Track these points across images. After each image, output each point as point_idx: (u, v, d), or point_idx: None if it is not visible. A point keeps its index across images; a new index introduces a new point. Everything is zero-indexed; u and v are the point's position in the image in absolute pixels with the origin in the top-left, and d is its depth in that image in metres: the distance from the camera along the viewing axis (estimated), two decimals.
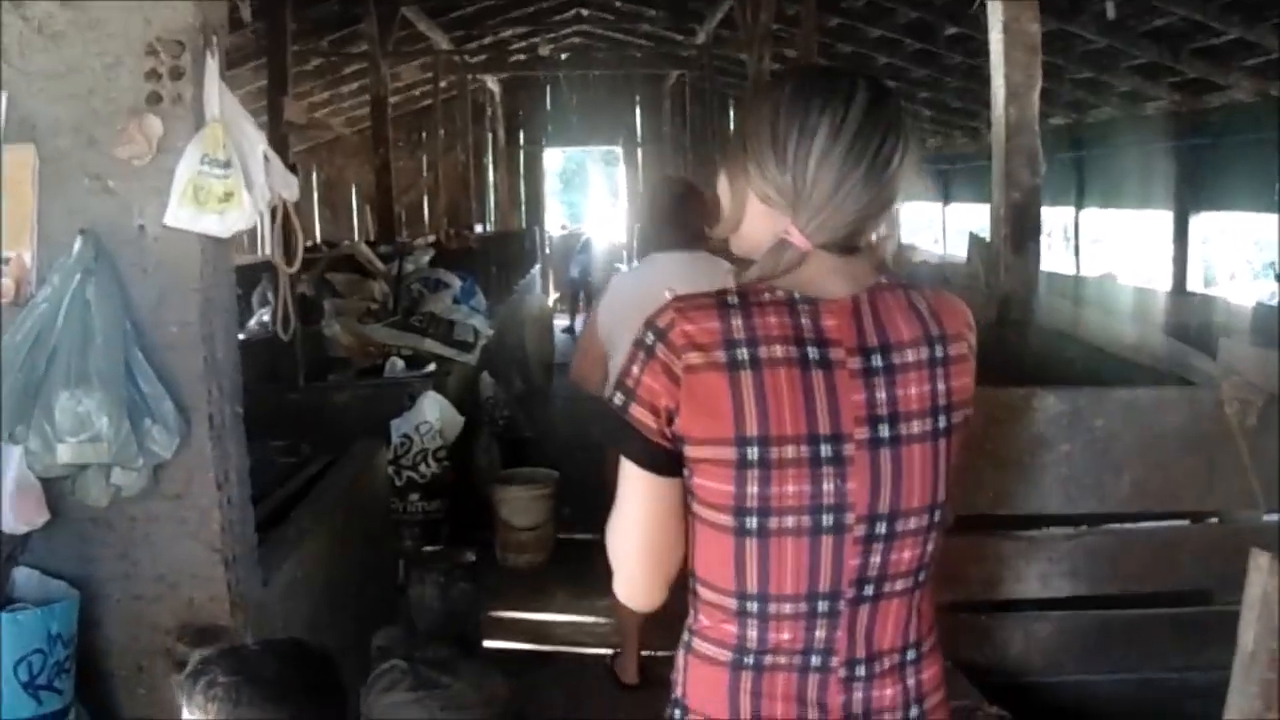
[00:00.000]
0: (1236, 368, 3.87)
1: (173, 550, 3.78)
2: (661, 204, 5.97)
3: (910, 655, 2.31)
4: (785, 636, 2.21)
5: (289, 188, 3.87)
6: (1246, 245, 22.54)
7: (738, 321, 2.14)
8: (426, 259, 11.27)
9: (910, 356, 2.21)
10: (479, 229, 21.88)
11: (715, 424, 2.13)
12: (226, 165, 3.55)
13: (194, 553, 3.79)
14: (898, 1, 14.77)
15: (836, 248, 2.19)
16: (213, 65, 3.60)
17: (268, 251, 4.09)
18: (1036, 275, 5.85)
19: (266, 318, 10.29)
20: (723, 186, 2.36)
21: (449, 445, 7.83)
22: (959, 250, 22.10)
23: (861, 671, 2.25)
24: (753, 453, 2.12)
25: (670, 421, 2.17)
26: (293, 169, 7.88)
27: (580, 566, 7.48)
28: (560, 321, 20.58)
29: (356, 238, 19.25)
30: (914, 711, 2.32)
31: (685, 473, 2.21)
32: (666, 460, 2.20)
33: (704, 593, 2.27)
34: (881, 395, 2.18)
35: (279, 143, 7.84)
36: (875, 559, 2.20)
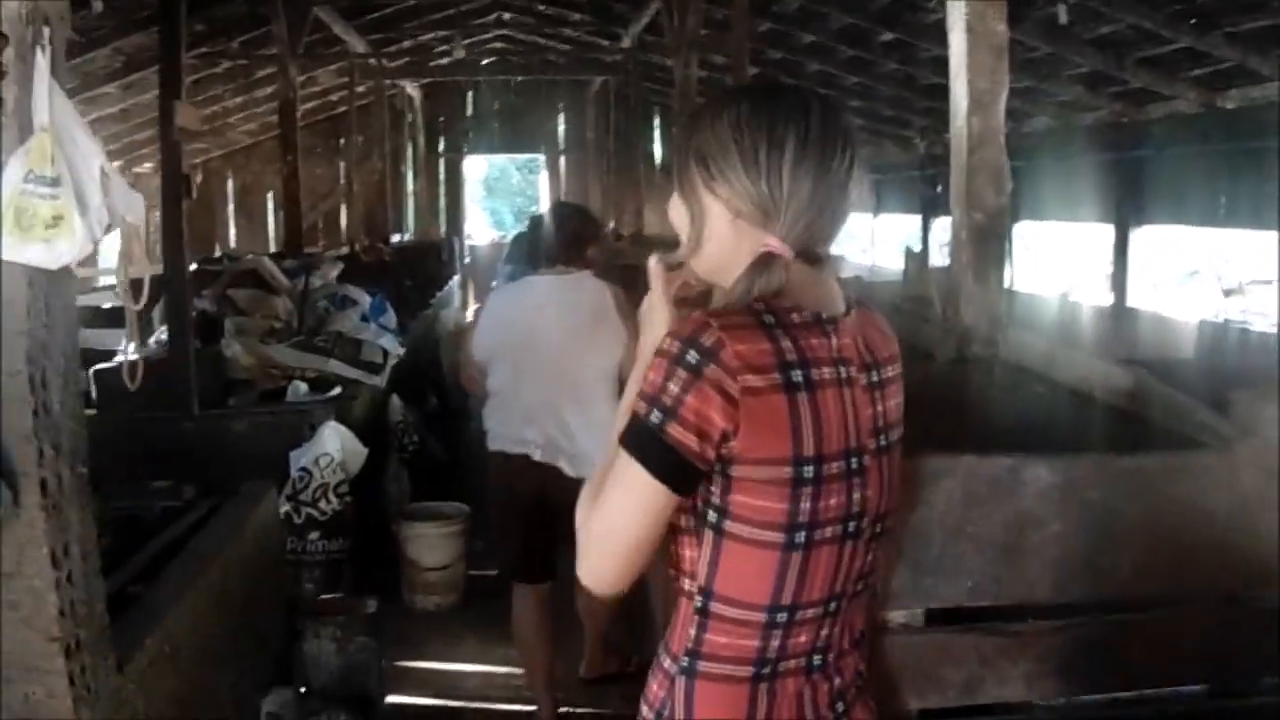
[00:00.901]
0: (1256, 427, 3.35)
1: (3, 639, 3.18)
2: (546, 226, 6.07)
3: (858, 635, 2.51)
4: (803, 640, 2.34)
5: (133, 209, 3.24)
6: (1169, 254, 22.21)
7: (787, 343, 2.22)
8: (335, 273, 10.68)
9: (889, 372, 2.43)
10: (396, 239, 21.18)
11: (776, 445, 2.20)
12: (55, 183, 2.93)
13: (28, 642, 3.18)
14: (831, 6, 14.26)
15: (807, 258, 2.30)
16: (43, 63, 2.98)
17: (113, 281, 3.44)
18: (1001, 307, 5.29)
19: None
20: (677, 210, 2.42)
21: (351, 478, 7.24)
22: (888, 262, 21.93)
23: (833, 658, 2.41)
24: (809, 471, 2.22)
25: (721, 443, 2.20)
26: (185, 178, 7.44)
27: (493, 606, 6.91)
28: None
29: (272, 246, 18.60)
30: (862, 673, 2.54)
31: (711, 491, 2.26)
32: (693, 480, 2.24)
33: (723, 609, 2.32)
34: (881, 408, 2.38)
35: (170, 150, 7.32)
36: (870, 556, 2.40)
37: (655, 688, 2.42)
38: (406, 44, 21.02)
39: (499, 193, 46.66)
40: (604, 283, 5.86)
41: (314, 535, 7.09)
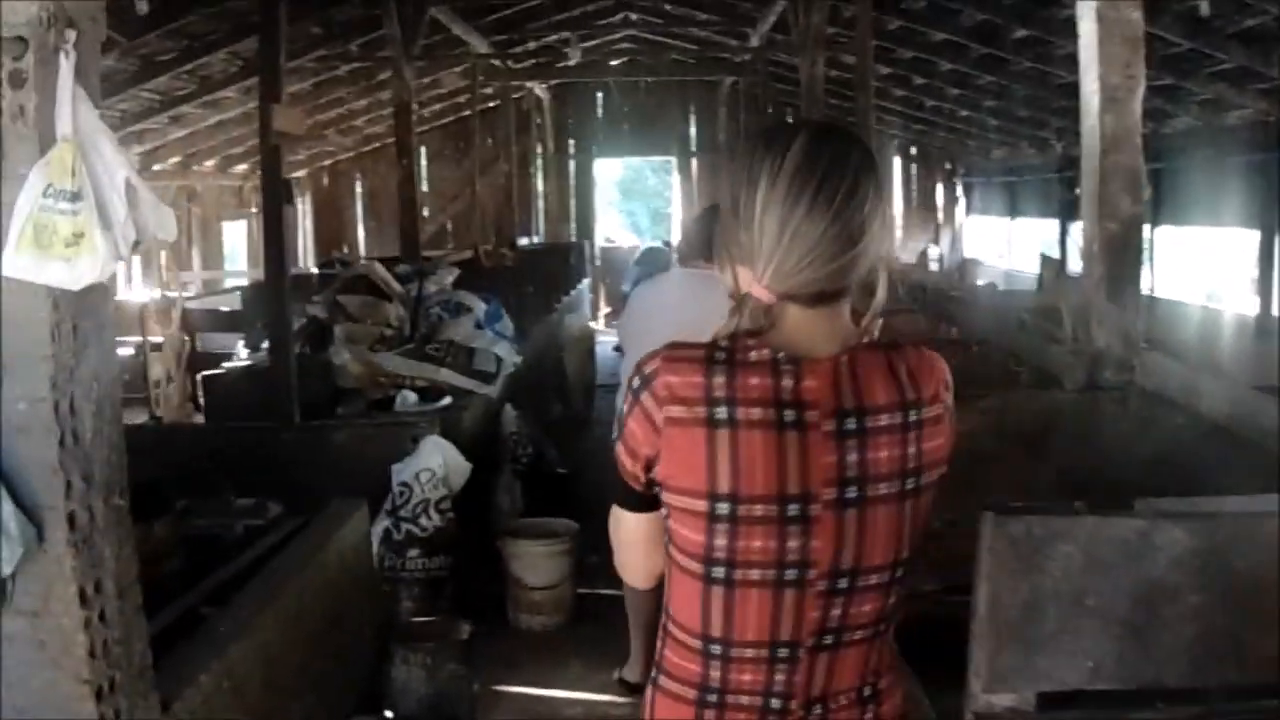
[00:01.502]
0: None
1: (31, 681, 2.97)
2: (692, 221, 6.56)
3: (867, 691, 2.42)
4: (746, 678, 2.34)
5: (164, 225, 3.00)
6: None
7: (720, 379, 2.23)
8: (450, 279, 10.42)
9: (884, 420, 2.28)
10: (525, 242, 21.21)
11: (690, 476, 2.25)
12: (76, 198, 2.70)
13: (56, 684, 2.96)
14: (963, 2, 13.84)
15: (806, 299, 2.26)
16: (66, 69, 2.76)
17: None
18: (1137, 328, 4.91)
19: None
20: (727, 241, 2.38)
21: (455, 494, 7.03)
22: (1025, 265, 21.45)
23: (819, 710, 2.37)
24: (723, 508, 2.23)
25: (649, 468, 2.31)
26: (286, 184, 7.28)
27: (602, 631, 6.81)
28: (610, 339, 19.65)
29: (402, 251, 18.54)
30: None
31: (663, 510, 2.35)
32: (639, 500, 2.40)
33: (673, 629, 2.41)
34: (853, 458, 2.26)
35: (269, 155, 7.17)
36: (836, 611, 2.31)
37: (646, 693, 2.53)
38: (532, 45, 20.83)
39: (634, 195, 46.27)
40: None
41: (414, 552, 6.91)
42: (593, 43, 19.04)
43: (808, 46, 12.71)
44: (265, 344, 9.16)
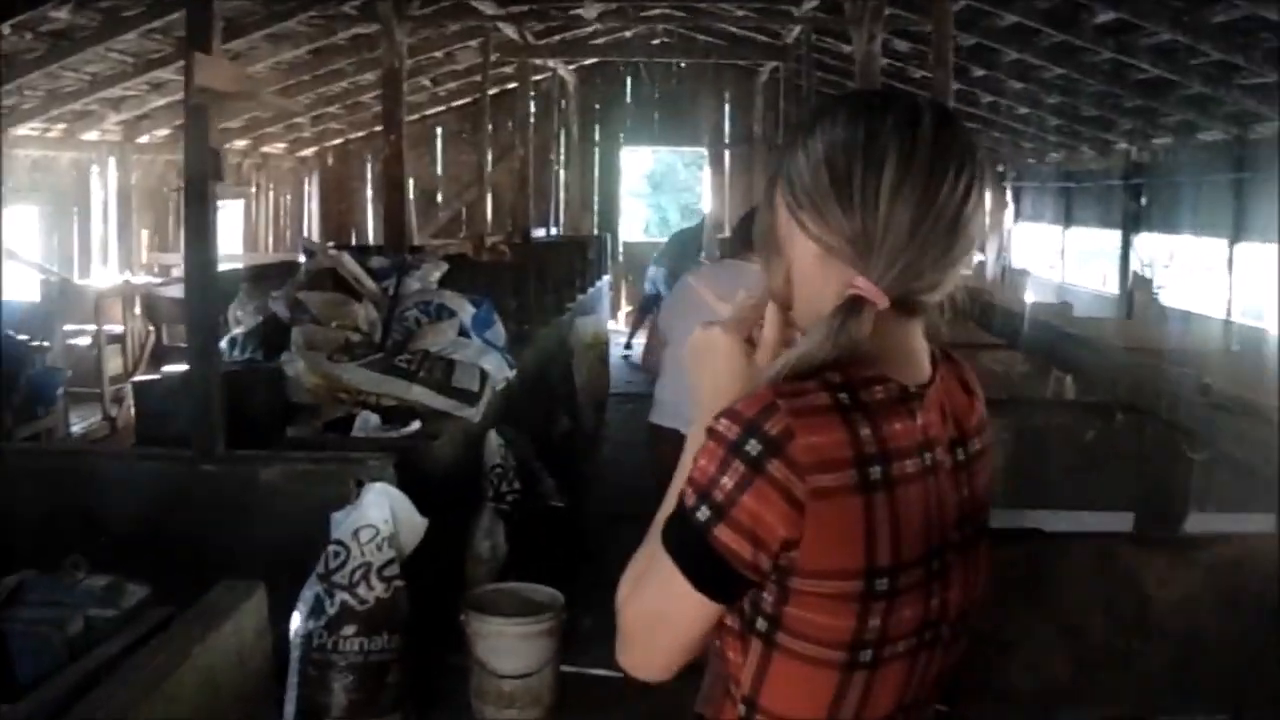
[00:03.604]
0: None
1: None
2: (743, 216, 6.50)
3: None
4: None
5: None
6: None
7: (866, 432, 1.91)
8: (436, 275, 8.80)
9: (977, 444, 2.13)
10: (541, 234, 20.09)
11: (843, 556, 1.91)
12: None
13: None
14: None
15: (903, 307, 1.98)
16: None
17: None
18: None
19: (234, 340, 8.20)
20: (769, 241, 2.12)
21: (405, 556, 5.52)
22: (1080, 279, 19.97)
23: None
24: (883, 584, 1.93)
25: (781, 552, 1.90)
26: (215, 158, 5.81)
27: None
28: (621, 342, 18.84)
29: (416, 239, 17.10)
30: None
31: (764, 597, 1.96)
32: (741, 591, 1.96)
33: None
34: (967, 491, 2.09)
35: (194, 118, 5.81)
36: (948, 659, 2.12)
37: None
38: (556, 23, 19.53)
39: (665, 188, 44.92)
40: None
41: (349, 629, 5.38)
42: (615, 4, 17.51)
43: (864, 20, 11.31)
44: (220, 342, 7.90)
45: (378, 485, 5.52)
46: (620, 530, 6.51)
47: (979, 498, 2.10)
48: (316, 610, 5.41)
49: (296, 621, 5.42)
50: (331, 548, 5.41)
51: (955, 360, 2.18)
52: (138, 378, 8.19)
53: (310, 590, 5.43)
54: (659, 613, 2.01)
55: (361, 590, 5.40)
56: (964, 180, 1.95)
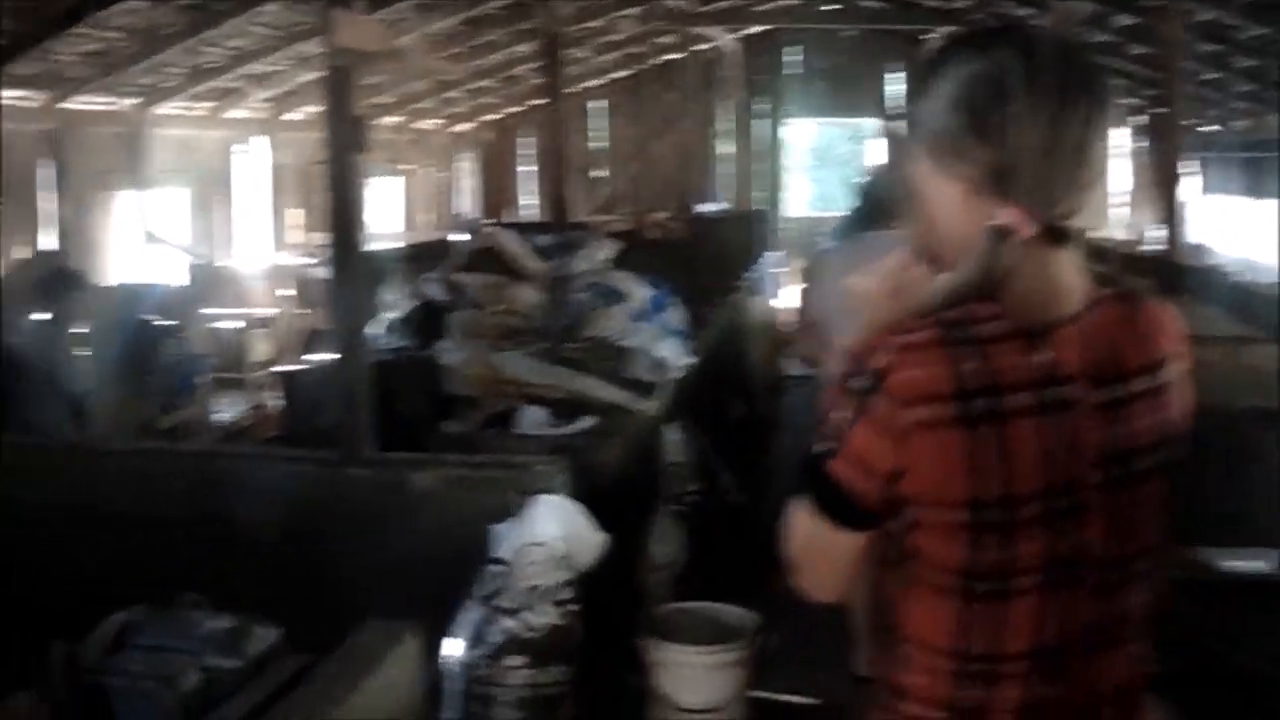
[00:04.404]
0: None
1: None
2: (874, 186, 6.47)
3: (1130, 699, 2.16)
4: (1013, 694, 2.07)
5: None
6: None
7: (971, 365, 1.96)
8: (605, 254, 8.09)
9: (1137, 385, 2.07)
10: (703, 209, 19.14)
11: (950, 487, 1.97)
12: None
13: None
14: None
15: (1060, 234, 2.01)
16: None
17: None
18: None
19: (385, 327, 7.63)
20: (911, 186, 2.15)
21: (578, 577, 4.81)
22: (1268, 256, 18.85)
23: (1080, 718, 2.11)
24: (992, 515, 1.98)
25: (890, 482, 1.99)
26: (358, 128, 5.19)
27: None
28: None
29: (576, 216, 16.62)
30: None
31: (896, 525, 2.05)
32: (867, 519, 2.05)
33: (913, 652, 2.10)
34: (1122, 429, 2.04)
35: (336, 81, 5.19)
36: (1105, 608, 2.08)
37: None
38: None
39: (828, 163, 44.19)
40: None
41: (515, 660, 4.63)
42: None
43: None
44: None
45: (548, 497, 4.82)
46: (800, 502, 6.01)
47: (1138, 439, 2.05)
48: (477, 637, 4.70)
49: (454, 649, 4.73)
50: (494, 567, 4.72)
51: (1134, 299, 2.13)
52: (283, 367, 7.59)
53: (470, 615, 4.71)
54: (808, 543, 2.11)
55: (529, 616, 4.67)
56: (1084, 106, 1.98)
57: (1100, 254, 2.16)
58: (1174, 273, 10.64)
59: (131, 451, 5.93)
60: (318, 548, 4.99)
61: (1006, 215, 1.96)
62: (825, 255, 6.60)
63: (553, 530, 4.71)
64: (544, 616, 4.69)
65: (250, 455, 5.62)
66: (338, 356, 5.45)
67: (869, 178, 6.59)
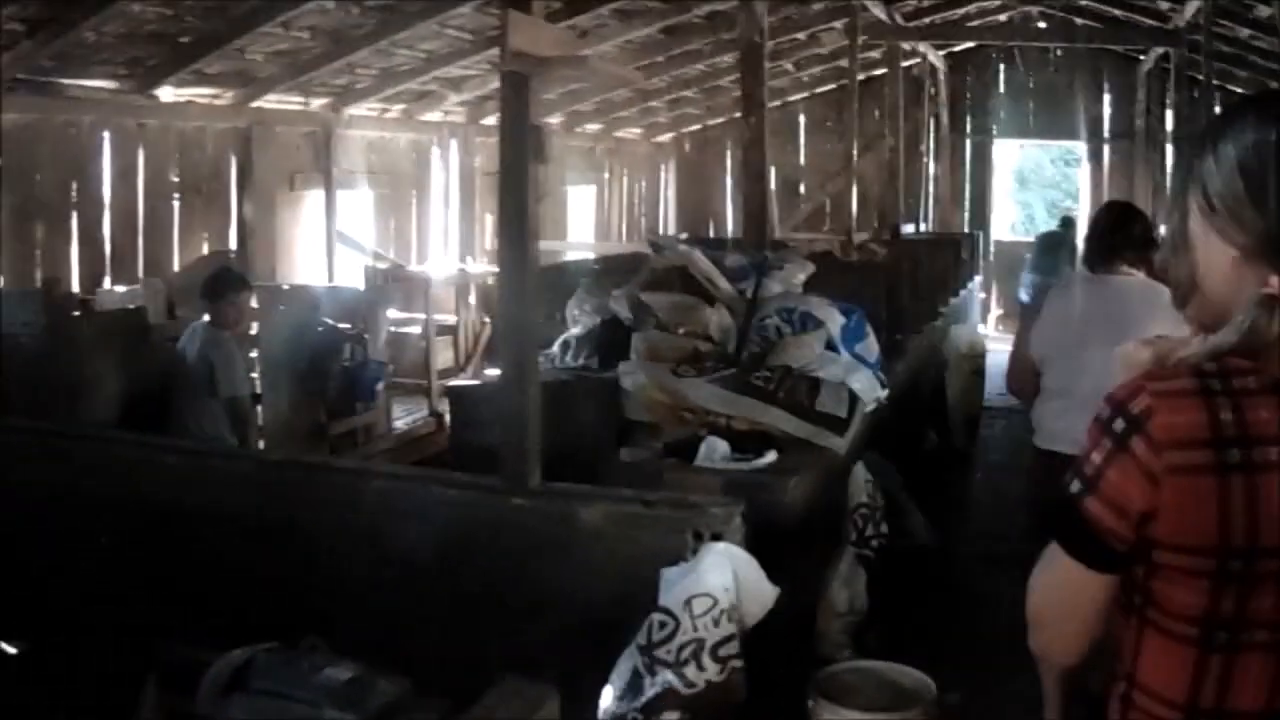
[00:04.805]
0: None
1: None
2: (1098, 224, 6.33)
3: None
4: None
5: None
6: None
7: (1227, 416, 2.01)
8: (801, 276, 7.63)
9: None
10: (910, 229, 18.98)
11: (1198, 533, 2.02)
12: None
13: None
14: None
15: None
16: None
17: None
18: None
19: (568, 343, 7.33)
20: (1178, 243, 2.24)
21: (747, 629, 4.39)
22: None
23: None
24: (1235, 565, 2.02)
25: (1141, 524, 2.07)
26: (537, 136, 4.91)
27: None
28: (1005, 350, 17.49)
29: (777, 234, 16.17)
30: None
31: (1137, 571, 2.14)
32: (1117, 560, 2.12)
33: (1141, 700, 2.17)
34: None
35: (512, 87, 4.90)
36: None
37: None
38: (926, 2, 18.71)
39: (1032, 185, 43.22)
40: (1160, 286, 5.30)
41: (671, 716, 4.25)
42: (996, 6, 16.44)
43: None
44: (556, 345, 7.30)
45: (719, 545, 4.40)
46: (997, 578, 5.97)
47: None
48: (633, 688, 4.32)
49: (607, 699, 4.39)
50: (657, 616, 4.32)
51: None
52: (453, 382, 7.35)
53: (627, 663, 4.35)
54: (1053, 591, 2.19)
55: (690, 671, 4.28)
56: None
57: None
58: None
59: (276, 463, 5.69)
60: (473, 580, 4.70)
61: (1276, 285, 2.01)
62: (1050, 290, 6.59)
63: (723, 580, 4.32)
64: (705, 671, 4.31)
65: (402, 475, 5.27)
66: (503, 381, 5.11)
67: (1071, 210, 6.54)
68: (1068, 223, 19.77)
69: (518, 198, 4.89)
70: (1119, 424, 2.05)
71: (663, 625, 4.32)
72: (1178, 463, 2.00)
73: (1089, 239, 6.30)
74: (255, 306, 9.54)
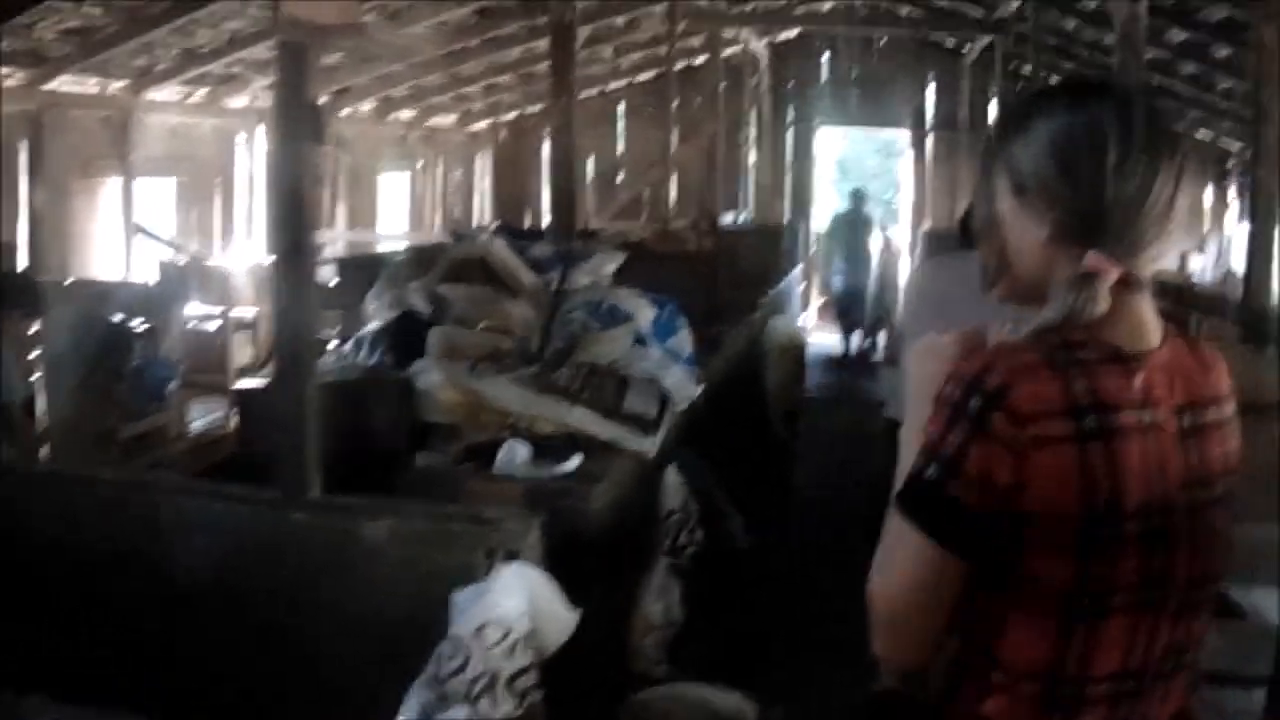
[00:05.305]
0: None
1: None
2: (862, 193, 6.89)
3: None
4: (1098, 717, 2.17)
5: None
6: None
7: (1080, 385, 2.09)
8: (610, 268, 7.29)
9: (1209, 415, 2.21)
10: (729, 219, 19.00)
11: (1063, 502, 2.06)
12: None
13: None
14: None
15: (1125, 281, 2.15)
16: None
17: None
18: None
19: (361, 340, 6.92)
20: (985, 225, 2.32)
21: (542, 657, 4.03)
22: None
23: None
24: (1099, 531, 2.08)
25: (1009, 500, 2.07)
26: (316, 117, 4.40)
27: None
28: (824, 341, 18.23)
29: (594, 223, 15.89)
30: None
31: (997, 548, 2.12)
32: (979, 541, 2.11)
33: (1003, 680, 2.16)
34: (1194, 459, 2.17)
35: (289, 59, 4.42)
36: (1180, 633, 2.19)
37: None
38: None
39: (854, 176, 43.69)
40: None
41: None
42: None
43: None
44: (348, 341, 6.82)
45: (513, 567, 4.04)
46: (820, 574, 5.58)
47: (1210, 467, 2.17)
48: None
49: None
50: (445, 645, 3.95)
51: (1193, 340, 2.27)
52: (241, 383, 6.91)
53: (417, 697, 3.95)
54: (910, 583, 2.11)
55: (484, 705, 3.90)
56: (1175, 165, 2.11)
57: (1161, 291, 2.20)
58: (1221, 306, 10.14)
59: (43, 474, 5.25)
60: (250, 601, 4.33)
61: (1094, 261, 2.08)
62: (927, 268, 6.84)
63: (517, 606, 3.96)
64: (500, 706, 3.94)
65: (180, 489, 4.84)
66: (276, 387, 4.70)
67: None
68: (859, 195, 20.10)
69: (293, 180, 4.46)
70: (975, 402, 2.06)
71: (452, 656, 3.95)
72: (1039, 434, 2.03)
73: (965, 215, 6.35)
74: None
